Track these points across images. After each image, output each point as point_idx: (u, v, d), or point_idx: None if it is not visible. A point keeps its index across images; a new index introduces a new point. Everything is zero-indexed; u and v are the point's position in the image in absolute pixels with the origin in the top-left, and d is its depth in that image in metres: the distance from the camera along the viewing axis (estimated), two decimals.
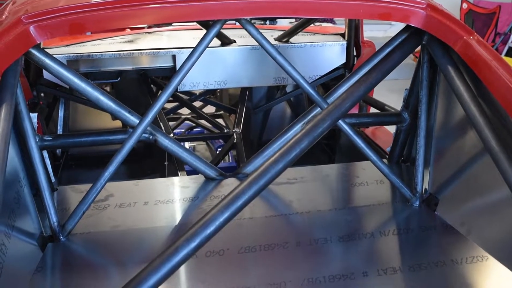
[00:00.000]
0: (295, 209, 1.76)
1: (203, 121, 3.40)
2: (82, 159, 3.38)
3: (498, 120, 1.44)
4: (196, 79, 2.88)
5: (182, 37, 3.15)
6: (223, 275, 1.41)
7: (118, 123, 3.49)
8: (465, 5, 7.32)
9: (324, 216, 1.70)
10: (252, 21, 1.94)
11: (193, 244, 1.14)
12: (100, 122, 3.54)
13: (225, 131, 3.05)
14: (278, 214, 1.73)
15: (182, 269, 1.31)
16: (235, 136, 2.86)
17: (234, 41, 2.94)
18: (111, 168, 1.60)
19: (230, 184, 1.89)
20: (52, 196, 1.62)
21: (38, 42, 1.43)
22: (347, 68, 3.08)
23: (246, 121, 3.08)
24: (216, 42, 2.90)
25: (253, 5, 1.55)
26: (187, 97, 3.44)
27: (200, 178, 1.94)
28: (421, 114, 1.80)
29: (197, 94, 3.49)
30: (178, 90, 2.95)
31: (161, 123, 3.01)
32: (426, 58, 1.78)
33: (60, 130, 3.04)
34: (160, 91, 3.67)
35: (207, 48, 2.81)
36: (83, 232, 1.61)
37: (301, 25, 2.92)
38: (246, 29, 1.75)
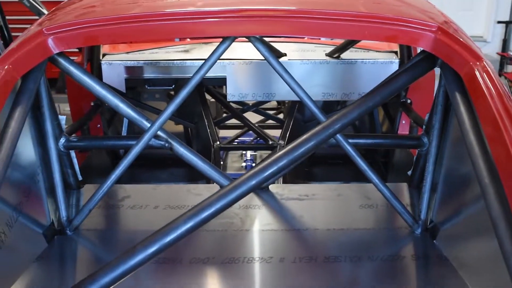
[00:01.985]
0: (293, 226, 1.78)
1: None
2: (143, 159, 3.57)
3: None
4: (245, 90, 2.96)
5: (234, 49, 3.26)
6: (197, 282, 1.47)
7: (180, 128, 3.64)
8: None
9: (320, 235, 1.71)
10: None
11: (150, 250, 1.21)
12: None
13: (270, 142, 3.11)
14: (274, 229, 1.76)
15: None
16: (278, 148, 2.91)
17: (285, 55, 2.99)
18: (118, 171, 1.71)
19: None
20: (66, 192, 1.76)
21: (56, 52, 1.57)
22: None
23: (293, 134, 3.11)
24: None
25: (259, 25, 1.60)
26: (240, 107, 3.54)
27: (215, 187, 2.01)
28: (432, 139, 1.76)
29: (250, 104, 3.57)
30: (228, 100, 3.05)
31: (209, 130, 3.13)
32: (442, 82, 1.73)
33: (124, 132, 3.23)
34: (213, 99, 3.81)
35: (258, 61, 2.89)
36: (90, 228, 1.73)
37: (351, 41, 2.92)
38: (254, 45, 1.79)
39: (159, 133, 1.81)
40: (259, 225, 1.76)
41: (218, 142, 3.09)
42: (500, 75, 7.04)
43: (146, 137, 1.74)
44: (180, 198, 1.96)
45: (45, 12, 3.75)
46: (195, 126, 3.42)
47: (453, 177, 1.70)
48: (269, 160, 1.41)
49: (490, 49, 7.99)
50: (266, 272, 1.52)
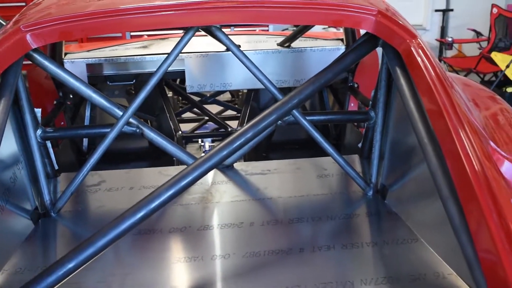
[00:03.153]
0: (259, 196, 1.97)
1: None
2: (106, 155, 3.69)
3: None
4: (203, 81, 3.12)
5: (192, 43, 3.42)
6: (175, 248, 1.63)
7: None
8: (495, 10, 7.31)
9: (283, 202, 1.90)
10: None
11: (128, 222, 1.37)
12: None
13: (229, 129, 3.29)
14: (242, 199, 1.94)
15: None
16: None
17: (239, 46, 3.17)
18: (96, 156, 1.86)
19: (210, 173, 2.11)
20: (47, 179, 1.89)
21: (34, 47, 1.69)
22: (349, 71, 3.25)
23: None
24: (222, 47, 3.14)
25: (220, 15, 1.77)
26: (199, 98, 3.71)
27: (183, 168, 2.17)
28: (378, 111, 1.98)
29: (207, 95, 3.74)
30: (188, 92, 3.21)
31: (170, 122, 3.28)
32: (384, 60, 1.96)
33: None
34: (172, 93, 3.96)
35: (214, 53, 3.05)
36: (72, 210, 1.87)
37: (300, 31, 3.12)
38: (215, 35, 1.97)
39: (131, 120, 1.97)
40: (228, 197, 1.94)
41: (180, 132, 3.25)
42: (440, 60, 7.44)
43: (120, 123, 1.89)
44: (153, 179, 2.12)
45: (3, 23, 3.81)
46: (156, 119, 3.56)
47: (398, 144, 1.93)
48: (237, 133, 1.59)
49: (429, 37, 8.42)
50: (239, 235, 1.70)
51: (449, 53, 8.24)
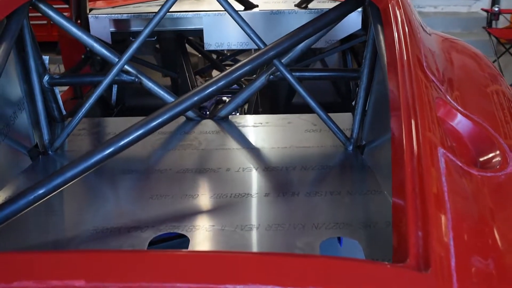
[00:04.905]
0: (248, 145, 2.07)
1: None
2: (135, 109, 3.88)
3: None
4: (221, 40, 3.22)
5: (211, 2, 3.52)
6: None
7: (168, 80, 3.92)
8: None
9: (263, 152, 2.01)
10: None
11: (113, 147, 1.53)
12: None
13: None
14: (232, 148, 2.06)
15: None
16: None
17: (257, 6, 3.24)
18: (91, 100, 2.01)
19: (204, 124, 2.23)
20: (52, 122, 2.07)
21: None
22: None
23: None
24: (240, 6, 3.22)
25: None
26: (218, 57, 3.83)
27: (182, 118, 2.30)
28: (363, 68, 2.03)
29: (228, 54, 3.84)
30: (206, 49, 3.32)
31: (188, 79, 3.41)
32: (370, 19, 2.00)
33: None
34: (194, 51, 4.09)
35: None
36: (70, 150, 2.04)
37: None
38: None
39: (130, 69, 2.11)
40: (213, 145, 2.05)
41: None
42: (487, 30, 7.19)
43: (115, 69, 2.03)
44: None
45: None
46: (178, 75, 3.69)
47: (379, 102, 1.98)
48: (212, 80, 1.71)
49: (480, 6, 8.15)
50: (211, 179, 1.82)
51: (499, 24, 7.96)
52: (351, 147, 2.01)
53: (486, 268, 1.00)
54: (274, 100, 3.79)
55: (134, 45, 2.05)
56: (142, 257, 0.96)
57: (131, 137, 1.57)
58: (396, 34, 1.57)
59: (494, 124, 1.48)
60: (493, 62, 6.80)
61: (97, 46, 2.09)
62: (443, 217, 1.03)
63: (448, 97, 1.52)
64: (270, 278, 0.87)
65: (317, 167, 1.89)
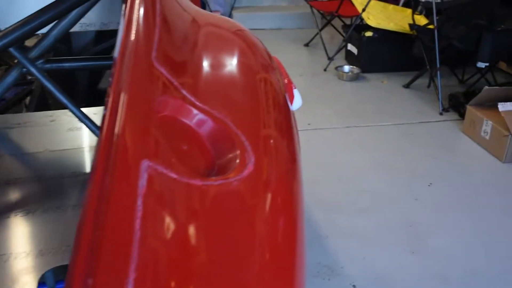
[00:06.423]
0: None
1: None
2: None
3: None
4: None
5: None
6: None
7: None
8: None
9: None
10: None
11: None
12: None
13: None
14: None
15: None
16: None
17: None
18: None
19: None
20: None
21: None
22: None
23: None
24: None
25: None
26: None
27: None
28: None
29: None
30: None
31: None
32: None
33: None
34: None
35: None
36: None
37: None
38: None
39: None
40: None
41: None
42: (308, 3, 7.29)
43: None
44: None
45: None
46: None
47: None
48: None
49: None
50: None
51: None
52: None
53: None
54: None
55: None
56: None
57: None
58: (126, 18, 1.33)
59: (240, 120, 1.30)
60: (316, 34, 6.98)
61: None
62: (122, 258, 0.82)
63: (186, 91, 1.31)
64: None
65: None
